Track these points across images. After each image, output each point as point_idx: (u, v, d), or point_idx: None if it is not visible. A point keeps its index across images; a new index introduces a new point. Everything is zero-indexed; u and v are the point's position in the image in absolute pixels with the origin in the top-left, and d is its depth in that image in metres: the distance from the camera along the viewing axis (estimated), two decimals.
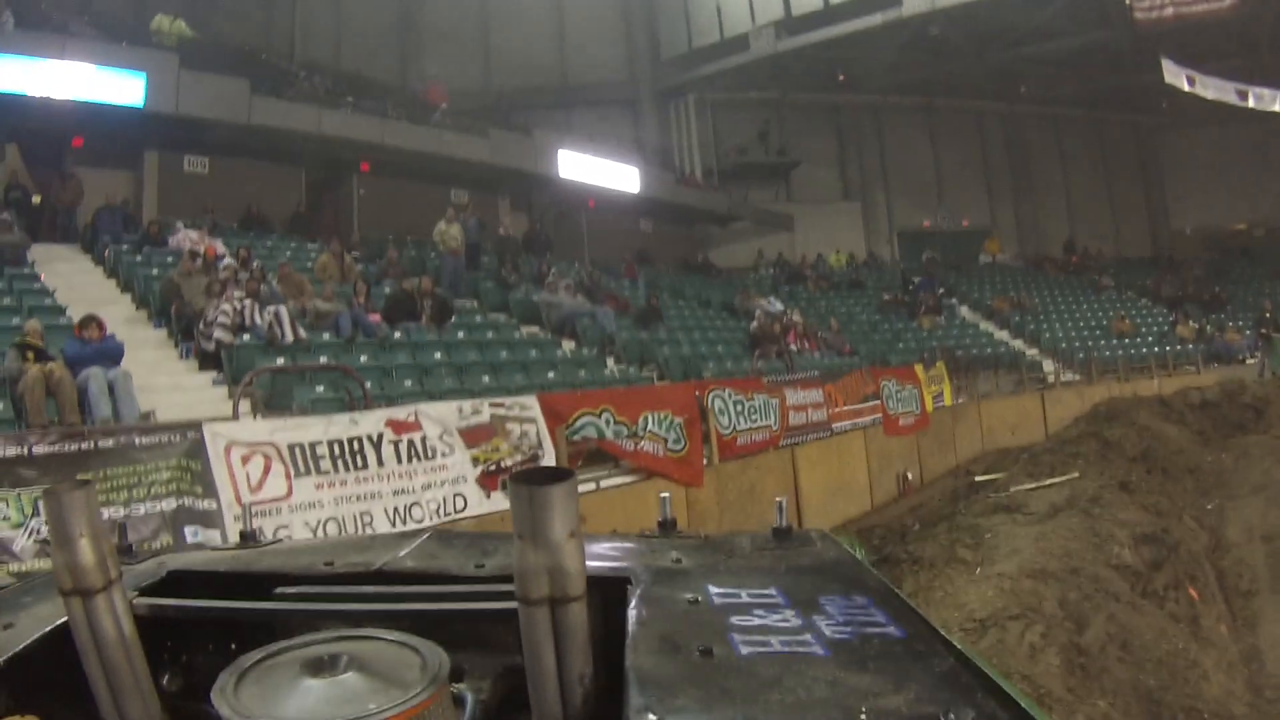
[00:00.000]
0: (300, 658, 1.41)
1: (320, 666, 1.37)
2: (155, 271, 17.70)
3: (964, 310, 37.36)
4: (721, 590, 1.80)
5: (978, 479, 20.49)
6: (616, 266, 30.83)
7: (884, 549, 14.40)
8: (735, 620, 1.60)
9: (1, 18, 20.45)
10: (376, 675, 1.35)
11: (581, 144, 33.08)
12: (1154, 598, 11.62)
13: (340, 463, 10.60)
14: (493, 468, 12.09)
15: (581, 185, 32.13)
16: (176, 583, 2.02)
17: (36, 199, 21.18)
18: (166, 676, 1.78)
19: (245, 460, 9.76)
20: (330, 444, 10.59)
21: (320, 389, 13.91)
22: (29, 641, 1.66)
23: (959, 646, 1.48)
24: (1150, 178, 46.57)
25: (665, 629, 1.57)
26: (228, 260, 17.66)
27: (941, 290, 37.45)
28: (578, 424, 13.89)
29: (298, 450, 10.27)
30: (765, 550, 2.18)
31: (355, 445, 10.84)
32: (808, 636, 1.52)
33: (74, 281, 17.53)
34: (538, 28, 38.10)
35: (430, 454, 11.50)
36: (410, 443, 11.37)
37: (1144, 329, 35.97)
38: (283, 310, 15.57)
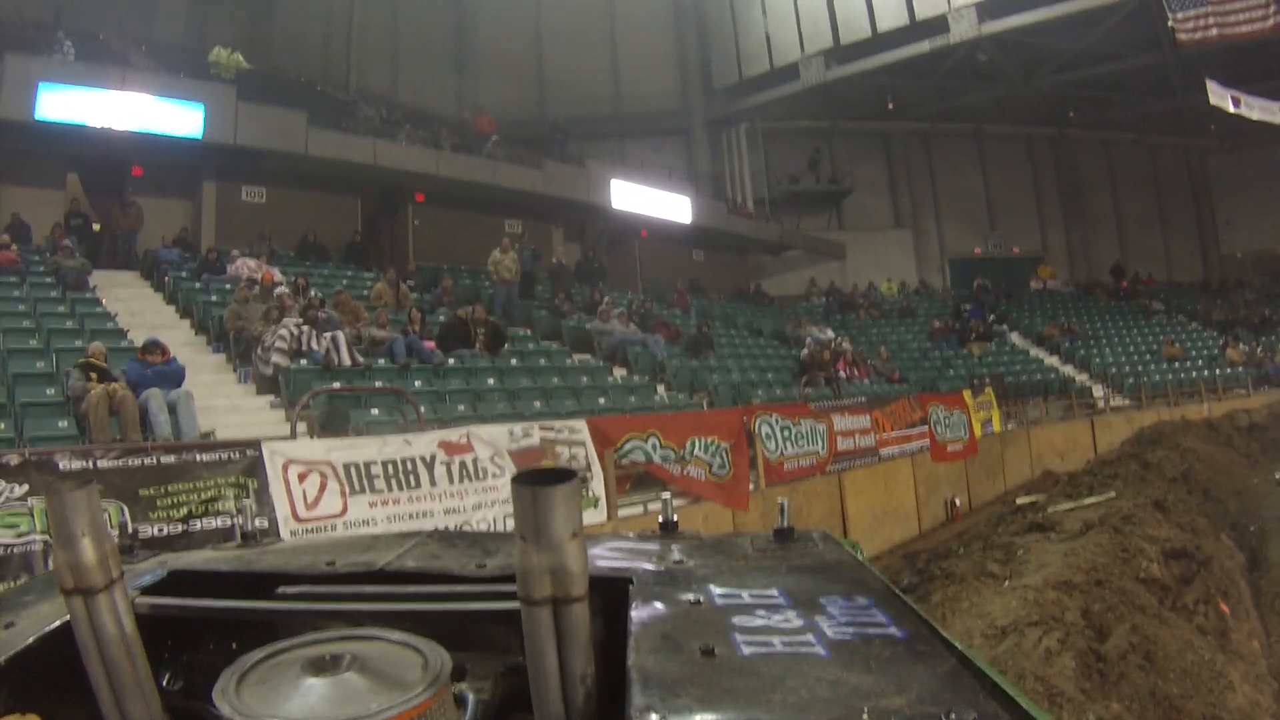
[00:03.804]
0: (302, 657, 1.43)
1: (322, 666, 1.39)
2: (214, 298, 17.98)
3: (1014, 337, 37.03)
4: (723, 590, 1.82)
5: (1019, 502, 20.31)
6: (669, 295, 30.85)
7: (926, 570, 14.33)
8: (737, 620, 1.62)
9: (62, 49, 20.86)
10: (378, 675, 1.37)
11: (634, 174, 33.11)
12: (1183, 611, 11.48)
13: (394, 482, 10.73)
14: None
15: (634, 215, 32.17)
16: (178, 582, 2.04)
17: (97, 226, 21.53)
18: (168, 676, 1.80)
19: (302, 478, 9.90)
20: (385, 464, 10.73)
21: (375, 412, 14.05)
22: (30, 640, 1.67)
23: (960, 648, 1.50)
24: (1200, 201, 45.89)
25: (667, 629, 1.59)
26: (283, 288, 17.84)
27: (992, 317, 37.24)
28: (626, 447, 13.93)
29: (353, 469, 10.41)
30: (767, 551, 2.22)
31: (409, 465, 10.97)
32: (809, 637, 1.53)
33: (134, 307, 17.81)
34: (591, 58, 38.22)
35: (481, 475, 11.58)
36: (462, 464, 11.48)
37: (1194, 353, 35.50)
38: (340, 335, 15.73)
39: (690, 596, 1.78)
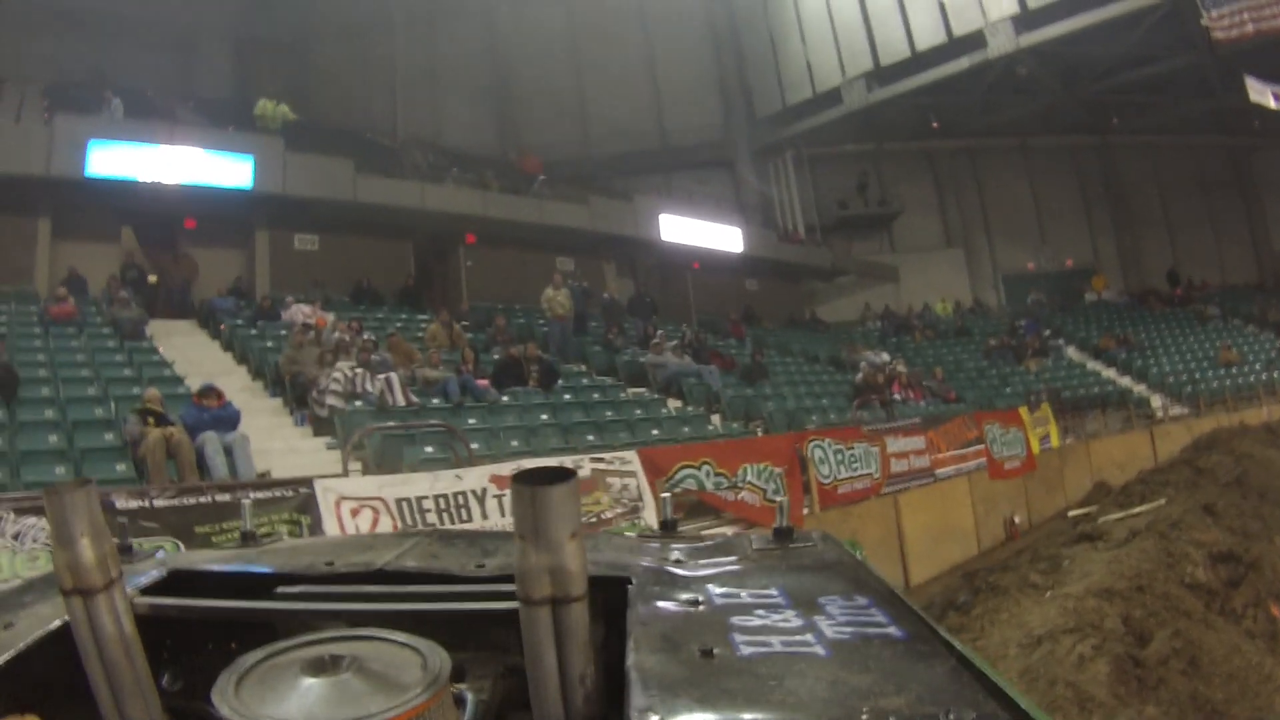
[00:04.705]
0: (301, 658, 1.43)
1: (321, 667, 1.38)
2: (269, 344, 18.23)
3: (1070, 350, 36.53)
4: (722, 590, 1.82)
5: (1071, 514, 20.07)
6: (723, 325, 30.82)
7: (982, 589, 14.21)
8: (736, 620, 1.61)
9: (109, 107, 21.26)
10: (377, 676, 1.37)
11: (682, 206, 33.22)
12: (1231, 615, 11.33)
13: (445, 516, 10.85)
14: (593, 520, 12.21)
15: (684, 247, 32.21)
16: (178, 582, 2.03)
17: (153, 278, 21.91)
18: (167, 676, 1.79)
19: (355, 513, 10.03)
20: (436, 498, 10.86)
21: (429, 449, 14.10)
22: (30, 641, 1.66)
23: (960, 648, 1.50)
24: (1249, 200, 44.69)
25: (666, 629, 1.59)
26: (337, 335, 17.96)
27: (1048, 332, 36.88)
28: (678, 476, 13.92)
29: (405, 504, 10.54)
30: (766, 551, 2.22)
31: (460, 499, 11.09)
32: (809, 637, 1.53)
33: (191, 354, 18.12)
34: (633, 94, 38.32)
35: None
36: None
37: (1251, 357, 34.78)
38: (394, 376, 15.91)
39: (689, 596, 1.78)
